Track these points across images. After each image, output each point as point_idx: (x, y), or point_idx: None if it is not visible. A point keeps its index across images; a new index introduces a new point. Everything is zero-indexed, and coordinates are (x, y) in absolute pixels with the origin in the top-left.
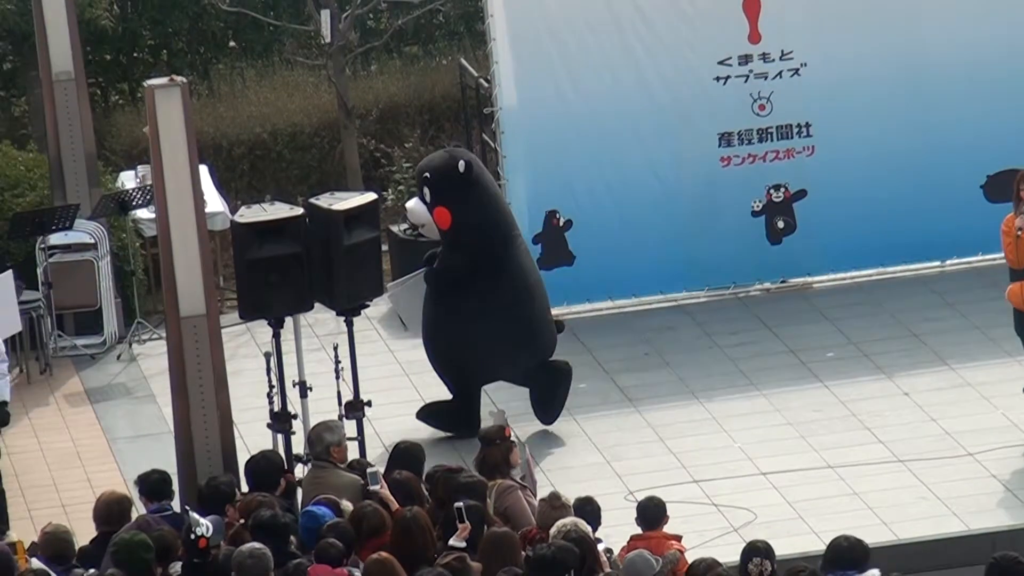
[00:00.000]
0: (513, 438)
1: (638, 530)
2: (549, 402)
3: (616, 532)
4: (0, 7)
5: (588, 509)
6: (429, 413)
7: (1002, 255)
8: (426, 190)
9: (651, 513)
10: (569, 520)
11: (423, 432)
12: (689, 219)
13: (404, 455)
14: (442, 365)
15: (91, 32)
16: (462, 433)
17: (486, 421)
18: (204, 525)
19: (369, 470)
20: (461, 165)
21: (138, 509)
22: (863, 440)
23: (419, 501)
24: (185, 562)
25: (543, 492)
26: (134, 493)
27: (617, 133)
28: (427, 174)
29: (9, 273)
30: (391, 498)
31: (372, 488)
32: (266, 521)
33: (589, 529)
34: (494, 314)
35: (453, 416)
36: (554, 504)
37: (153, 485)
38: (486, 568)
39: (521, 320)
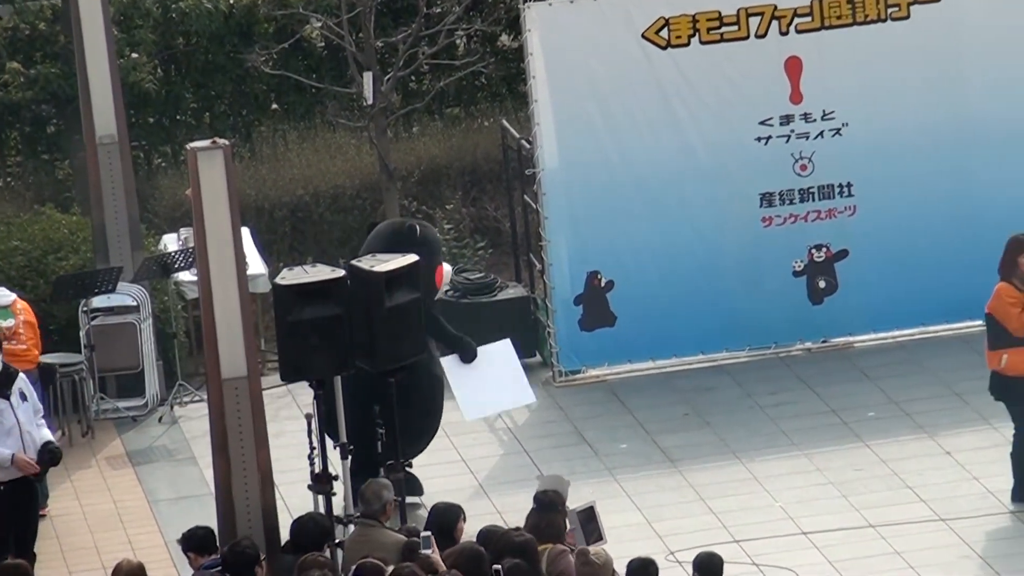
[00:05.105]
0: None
1: None
2: None
3: None
4: (44, 71)
5: (650, 571)
6: None
7: None
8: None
9: (711, 568)
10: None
11: (465, 492)
12: (731, 279)
13: (443, 515)
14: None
15: (134, 95)
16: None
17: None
18: None
19: (423, 534)
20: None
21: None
22: (905, 499)
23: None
24: None
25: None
26: (176, 553)
27: (659, 194)
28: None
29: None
30: (440, 562)
31: (424, 552)
32: None
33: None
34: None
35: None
36: (583, 560)
37: (201, 540)
38: None
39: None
